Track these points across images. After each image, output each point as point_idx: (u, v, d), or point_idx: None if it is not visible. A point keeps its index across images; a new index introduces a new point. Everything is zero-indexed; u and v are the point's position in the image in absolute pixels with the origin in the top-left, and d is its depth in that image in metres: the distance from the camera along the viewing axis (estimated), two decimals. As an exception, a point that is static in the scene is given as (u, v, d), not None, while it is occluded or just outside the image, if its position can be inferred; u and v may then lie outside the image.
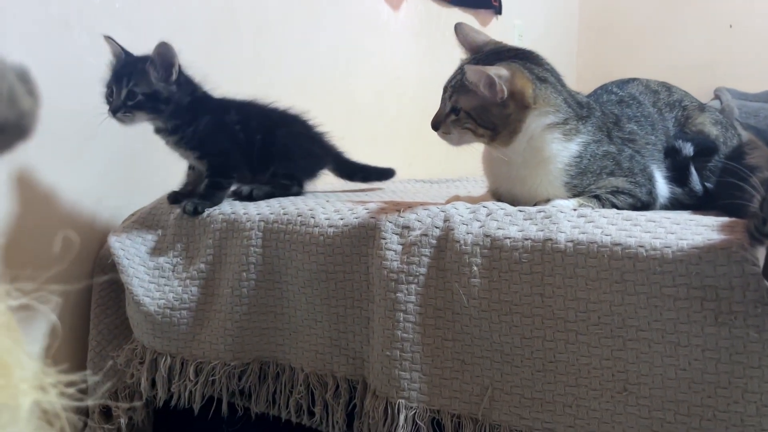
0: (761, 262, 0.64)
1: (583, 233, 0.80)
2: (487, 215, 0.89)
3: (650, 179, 1.02)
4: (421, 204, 0.99)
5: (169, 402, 1.08)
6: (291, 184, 1.20)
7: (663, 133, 1.09)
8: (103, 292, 1.16)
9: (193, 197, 1.13)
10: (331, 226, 0.97)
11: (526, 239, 0.83)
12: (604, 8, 3.31)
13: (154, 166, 1.32)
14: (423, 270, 0.89)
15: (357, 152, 1.96)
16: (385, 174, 1.40)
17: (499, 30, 2.64)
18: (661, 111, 1.11)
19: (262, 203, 1.10)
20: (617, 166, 0.99)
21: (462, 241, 0.86)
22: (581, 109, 1.01)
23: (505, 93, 0.94)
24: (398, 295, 0.88)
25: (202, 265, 1.07)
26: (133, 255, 1.10)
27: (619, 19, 3.25)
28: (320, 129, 1.30)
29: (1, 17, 1.06)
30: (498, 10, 2.59)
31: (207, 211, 1.09)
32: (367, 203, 1.02)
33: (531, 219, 0.86)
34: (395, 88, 2.05)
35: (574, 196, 0.98)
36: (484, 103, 0.96)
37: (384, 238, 0.91)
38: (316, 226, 0.98)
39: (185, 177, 1.20)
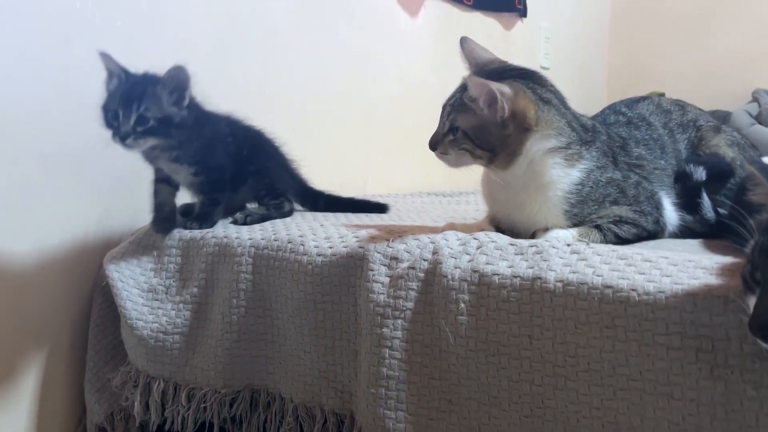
0: (750, 312, 0.59)
1: (574, 272, 0.76)
2: (478, 248, 0.85)
3: (658, 207, 0.97)
4: (414, 232, 0.95)
5: (162, 426, 1.08)
6: (281, 202, 1.18)
7: (674, 156, 1.03)
8: (102, 312, 1.16)
9: (189, 219, 1.11)
10: (319, 255, 0.94)
11: (515, 276, 0.79)
12: (637, 6, 3.20)
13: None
14: (410, 304, 0.85)
15: (372, 161, 1.94)
16: (356, 205, 1.29)
17: (524, 33, 2.58)
18: (673, 132, 1.05)
19: (256, 226, 1.08)
20: (622, 193, 0.94)
21: (449, 276, 0.83)
22: (585, 133, 0.96)
23: (506, 112, 0.89)
24: (384, 330, 0.85)
25: (195, 289, 1.05)
26: (127, 277, 1.10)
27: (653, 17, 3.14)
28: (287, 153, 1.26)
29: (3, 32, 1.06)
30: (523, 13, 2.53)
31: (199, 233, 1.08)
32: (361, 229, 0.99)
33: (522, 254, 0.82)
34: (412, 96, 2.01)
35: (575, 225, 0.93)
36: (483, 123, 0.92)
37: (372, 270, 0.88)
38: (305, 254, 0.95)
39: (154, 196, 1.12)
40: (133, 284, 1.09)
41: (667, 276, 0.71)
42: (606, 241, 0.92)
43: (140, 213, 1.25)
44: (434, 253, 0.86)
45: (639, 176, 0.98)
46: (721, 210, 1.00)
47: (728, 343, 0.65)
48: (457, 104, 0.95)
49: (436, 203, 1.52)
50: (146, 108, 1.00)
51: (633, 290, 0.71)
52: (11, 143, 1.08)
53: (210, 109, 1.15)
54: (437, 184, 2.03)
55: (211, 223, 1.11)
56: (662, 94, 2.80)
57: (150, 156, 1.09)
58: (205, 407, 1.03)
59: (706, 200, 0.99)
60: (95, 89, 1.18)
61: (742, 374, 0.64)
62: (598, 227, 0.92)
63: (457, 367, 0.82)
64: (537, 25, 2.66)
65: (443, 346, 0.83)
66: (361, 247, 0.91)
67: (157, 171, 1.12)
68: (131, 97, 1.01)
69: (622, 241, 0.93)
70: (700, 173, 1.00)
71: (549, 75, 2.63)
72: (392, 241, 0.90)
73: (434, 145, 0.98)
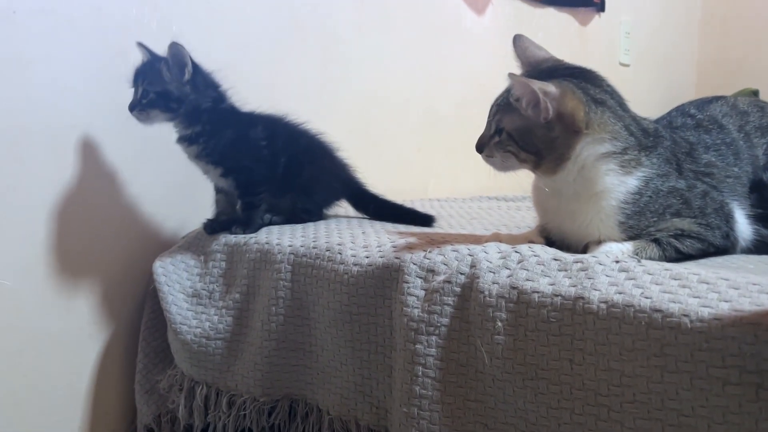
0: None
1: (620, 293, 0.69)
2: (518, 262, 0.79)
3: (728, 220, 0.87)
4: (458, 241, 0.91)
5: (206, 430, 1.08)
6: (309, 217, 1.18)
7: (750, 163, 0.93)
8: (152, 315, 1.17)
9: (235, 224, 1.11)
10: (356, 264, 0.91)
11: (556, 295, 0.73)
12: (732, -6, 2.98)
13: (211, 190, 1.32)
14: (445, 321, 0.81)
15: (435, 164, 1.89)
16: (402, 214, 1.24)
17: (602, 29, 2.45)
18: (749, 136, 0.95)
19: (298, 233, 1.06)
20: (685, 205, 0.86)
21: (486, 292, 0.77)
22: (646, 138, 0.88)
23: (551, 113, 0.83)
24: (417, 346, 0.81)
25: (237, 295, 1.05)
26: (173, 281, 1.10)
27: (748, 8, 2.92)
28: (341, 156, 1.25)
29: (62, 47, 1.09)
30: (600, 7, 2.40)
31: (243, 239, 1.07)
32: (402, 237, 0.95)
33: (566, 271, 0.75)
34: (479, 97, 1.94)
35: (631, 238, 0.85)
36: (527, 124, 0.86)
37: (407, 282, 0.84)
38: (342, 263, 0.92)
39: (215, 205, 1.17)
40: (179, 288, 1.10)
41: (726, 301, 0.63)
42: (665, 257, 0.83)
43: (192, 217, 1.27)
44: (472, 266, 0.81)
45: (707, 185, 0.89)
46: (804, 223, 0.90)
47: (795, 381, 0.57)
48: (503, 105, 0.90)
49: (495, 208, 1.45)
50: (149, 82, 1.07)
51: (685, 315, 0.63)
52: (67, 150, 1.11)
53: (249, 111, 1.15)
54: (504, 187, 1.96)
55: (253, 228, 1.11)
56: (755, 92, 2.60)
57: (186, 153, 1.12)
58: (244, 415, 1.02)
59: (786, 212, 0.89)
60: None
61: (810, 419, 0.56)
62: (656, 241, 0.84)
63: (493, 390, 0.77)
64: (617, 20, 2.53)
65: (479, 367, 0.78)
66: (397, 258, 0.87)
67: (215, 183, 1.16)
68: (139, 75, 1.09)
69: (684, 257, 0.85)
70: (779, 182, 0.89)
71: (629, 73, 2.48)
72: (430, 251, 0.86)
73: (480, 147, 0.93)
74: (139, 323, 1.20)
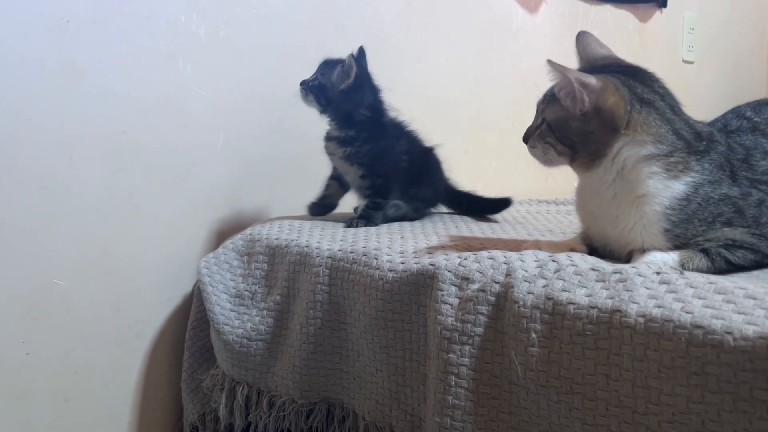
0: None
1: (659, 307, 0.65)
2: (555, 272, 0.76)
3: (785, 229, 0.82)
4: (498, 247, 0.89)
5: (247, 430, 1.09)
6: (419, 217, 1.27)
7: (812, 168, 0.87)
8: (198, 315, 1.20)
9: (359, 219, 1.19)
10: (391, 270, 0.90)
11: (593, 307, 0.70)
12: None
13: (257, 193, 1.34)
14: (479, 330, 0.79)
15: (485, 166, 1.86)
16: (498, 205, 1.37)
17: (664, 25, 2.36)
18: (811, 140, 0.89)
19: (338, 236, 1.06)
20: (738, 213, 0.81)
21: (521, 302, 0.75)
22: (698, 142, 0.84)
23: (587, 105, 0.81)
24: (451, 356, 0.80)
25: (278, 297, 1.06)
26: (217, 282, 1.12)
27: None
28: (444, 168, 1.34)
29: (112, 55, 1.13)
30: (662, 3, 2.32)
31: (285, 241, 1.08)
32: (438, 243, 0.94)
33: (604, 281, 0.72)
34: (530, 98, 1.90)
35: (677, 247, 0.81)
36: (565, 115, 0.85)
37: (441, 290, 0.83)
38: (377, 269, 0.92)
39: (324, 188, 1.26)
40: (222, 289, 1.12)
41: (773, 319, 0.59)
42: (715, 269, 0.79)
43: (241, 219, 1.29)
44: (507, 275, 0.79)
45: (764, 193, 0.84)
46: None
47: None
48: (549, 95, 0.89)
49: (543, 212, 1.42)
50: (322, 73, 1.20)
51: (728, 333, 0.60)
52: (118, 154, 1.15)
53: (401, 124, 1.26)
54: (557, 190, 1.91)
55: (374, 223, 1.18)
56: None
57: (329, 150, 1.22)
58: (284, 416, 1.03)
59: None
60: (196, 102, 1.24)
61: None
62: (705, 251, 0.80)
63: (527, 403, 0.74)
64: (679, 16, 2.43)
65: (513, 378, 0.76)
66: (432, 265, 0.86)
67: (334, 170, 1.25)
68: (323, 64, 1.21)
69: (735, 268, 0.80)
70: (844, 189, 0.83)
71: (693, 70, 2.38)
72: (465, 259, 0.84)
73: (526, 137, 0.92)
74: (186, 323, 1.22)
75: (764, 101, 0.94)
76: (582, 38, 0.96)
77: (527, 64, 1.89)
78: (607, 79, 0.83)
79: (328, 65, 1.20)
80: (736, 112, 0.94)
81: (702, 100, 2.36)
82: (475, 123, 1.81)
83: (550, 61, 0.82)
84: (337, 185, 1.25)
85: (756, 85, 2.84)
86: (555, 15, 1.97)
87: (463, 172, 1.81)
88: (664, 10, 2.33)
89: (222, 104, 1.28)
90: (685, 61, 2.49)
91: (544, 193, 1.85)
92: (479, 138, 1.82)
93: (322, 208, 1.25)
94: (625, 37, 2.22)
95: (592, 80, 0.81)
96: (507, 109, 1.86)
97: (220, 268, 1.14)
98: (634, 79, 0.86)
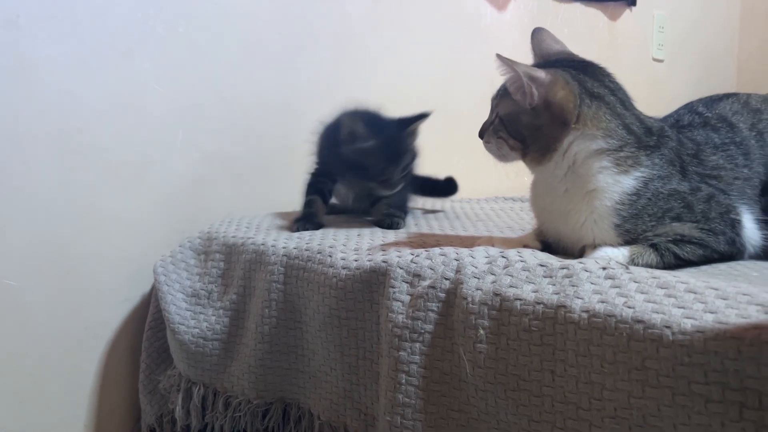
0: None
1: (603, 302, 0.65)
2: (504, 268, 0.76)
3: (734, 225, 0.83)
4: (453, 243, 0.88)
5: (204, 431, 1.08)
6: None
7: (762, 164, 0.88)
8: (157, 314, 1.18)
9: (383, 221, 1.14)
10: (344, 268, 0.89)
11: (539, 303, 0.69)
12: (775, -11, 2.85)
13: (218, 191, 1.32)
14: (429, 327, 0.78)
15: (456, 163, 1.85)
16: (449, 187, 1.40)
17: (634, 24, 2.37)
18: (762, 135, 0.89)
19: (295, 234, 1.05)
20: (687, 208, 0.81)
21: (470, 299, 0.75)
22: (649, 137, 0.84)
23: (536, 98, 0.81)
24: (401, 353, 0.79)
25: (234, 296, 1.04)
26: (174, 281, 1.11)
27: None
28: None
29: (66, 51, 1.10)
30: (631, 1, 2.33)
31: (241, 239, 1.07)
32: (393, 240, 0.93)
33: (551, 277, 0.72)
34: (500, 95, 1.90)
35: (628, 243, 0.81)
36: (516, 109, 0.85)
37: (393, 287, 0.82)
38: (331, 266, 0.91)
39: (307, 205, 1.15)
40: (179, 288, 1.10)
41: (712, 312, 0.59)
42: (664, 264, 0.79)
43: (202, 218, 1.27)
44: (457, 271, 0.78)
45: (714, 188, 0.84)
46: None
47: (779, 401, 0.53)
48: (502, 90, 0.89)
49: (507, 210, 1.42)
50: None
51: (667, 327, 0.60)
52: (73, 152, 1.12)
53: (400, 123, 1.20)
54: (526, 187, 1.92)
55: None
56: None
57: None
58: (240, 416, 1.02)
59: (799, 216, 0.83)
60: (155, 98, 1.22)
61: (794, 442, 0.52)
62: (654, 247, 0.80)
63: (476, 400, 0.74)
64: (649, 14, 2.44)
65: (462, 376, 0.75)
66: (384, 262, 0.85)
67: (316, 185, 1.18)
68: None
69: (684, 263, 0.80)
70: (792, 184, 0.84)
71: (663, 68, 2.39)
72: (417, 255, 0.84)
73: (481, 133, 0.92)
74: (144, 323, 1.20)
75: (716, 97, 0.94)
76: (537, 34, 0.96)
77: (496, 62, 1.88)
78: (557, 73, 0.83)
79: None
80: (689, 107, 0.94)
81: (672, 99, 2.37)
82: (444, 120, 1.80)
83: (499, 56, 0.82)
84: (320, 200, 1.16)
85: (726, 84, 2.87)
86: (524, 12, 1.97)
87: (434, 170, 1.81)
88: (633, 8, 2.34)
89: (181, 101, 1.26)
90: (655, 60, 2.50)
91: (514, 191, 1.86)
92: (449, 135, 1.82)
93: (312, 225, 1.11)
94: (595, 36, 2.23)
95: (541, 74, 0.81)
96: (476, 107, 1.85)
97: (176, 267, 1.13)
98: (585, 73, 0.86)
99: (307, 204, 1.15)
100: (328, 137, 1.18)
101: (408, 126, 1.17)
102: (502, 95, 0.88)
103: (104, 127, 1.16)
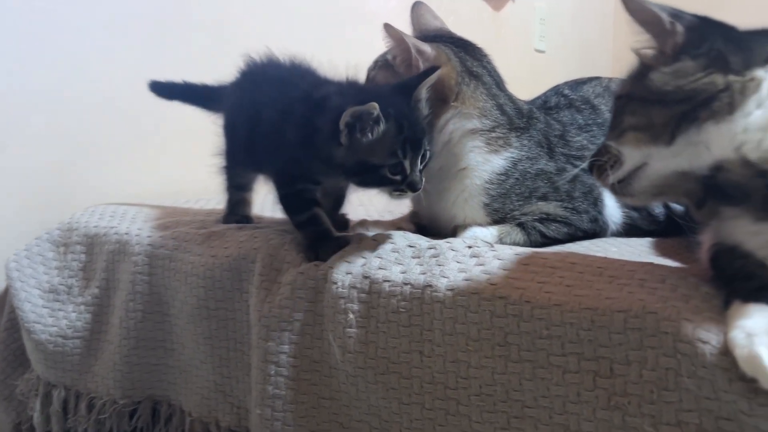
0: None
1: (467, 279, 0.65)
2: (374, 250, 0.75)
3: (596, 203, 0.85)
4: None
5: (67, 438, 1.00)
6: None
7: (622, 143, 0.91)
8: (12, 314, 1.08)
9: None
10: (213, 256, 0.85)
11: (406, 284, 0.68)
12: (644, -14, 3.01)
13: (84, 179, 1.22)
14: (299, 315, 0.75)
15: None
16: None
17: (517, 15, 2.44)
18: (622, 117, 0.93)
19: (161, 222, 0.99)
20: (553, 188, 0.83)
21: (339, 283, 0.72)
22: (519, 119, 0.85)
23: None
24: (270, 344, 0.76)
25: (96, 290, 0.97)
26: (28, 276, 1.02)
27: (661, -3, 2.96)
28: None
29: None
30: (514, -8, 2.39)
31: (104, 229, 0.99)
32: (265, 227, 0.89)
33: (419, 258, 0.71)
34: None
35: (496, 222, 0.82)
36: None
37: (261, 274, 0.79)
38: (199, 255, 0.86)
39: (231, 200, 0.97)
40: (34, 284, 1.01)
41: (568, 285, 0.60)
42: (530, 242, 0.81)
43: (66, 208, 1.17)
44: (327, 255, 0.76)
45: (578, 169, 0.86)
46: (675, 206, 0.89)
47: (628, 367, 0.54)
48: (381, 62, 0.87)
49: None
50: None
51: (527, 302, 0.60)
52: None
53: None
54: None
55: None
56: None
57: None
58: (105, 418, 0.95)
59: (654, 194, 0.87)
60: (5, 78, 1.11)
61: (640, 406, 0.53)
62: (521, 225, 0.81)
63: (346, 387, 0.72)
64: (530, 6, 2.52)
65: (333, 363, 0.73)
66: (254, 248, 0.82)
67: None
68: None
69: (550, 241, 0.82)
70: (648, 163, 0.87)
71: (544, 59, 2.44)
72: (288, 242, 0.80)
73: None
74: (-2, 325, 1.10)
75: (581, 80, 0.97)
76: (417, 8, 0.95)
77: (381, 46, 1.87)
78: (440, 48, 0.82)
79: None
80: (556, 89, 0.97)
81: (553, 88, 2.47)
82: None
83: (387, 26, 0.80)
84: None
85: (602, 73, 3.01)
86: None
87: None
88: (516, 0, 2.40)
89: (40, 82, 1.15)
90: (537, 51, 2.59)
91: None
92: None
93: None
94: (480, 25, 2.27)
95: (427, 48, 0.79)
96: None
97: (32, 261, 1.03)
98: (465, 52, 0.86)
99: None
100: (297, 130, 0.79)
101: (415, 89, 0.75)
102: (380, 67, 0.86)
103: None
